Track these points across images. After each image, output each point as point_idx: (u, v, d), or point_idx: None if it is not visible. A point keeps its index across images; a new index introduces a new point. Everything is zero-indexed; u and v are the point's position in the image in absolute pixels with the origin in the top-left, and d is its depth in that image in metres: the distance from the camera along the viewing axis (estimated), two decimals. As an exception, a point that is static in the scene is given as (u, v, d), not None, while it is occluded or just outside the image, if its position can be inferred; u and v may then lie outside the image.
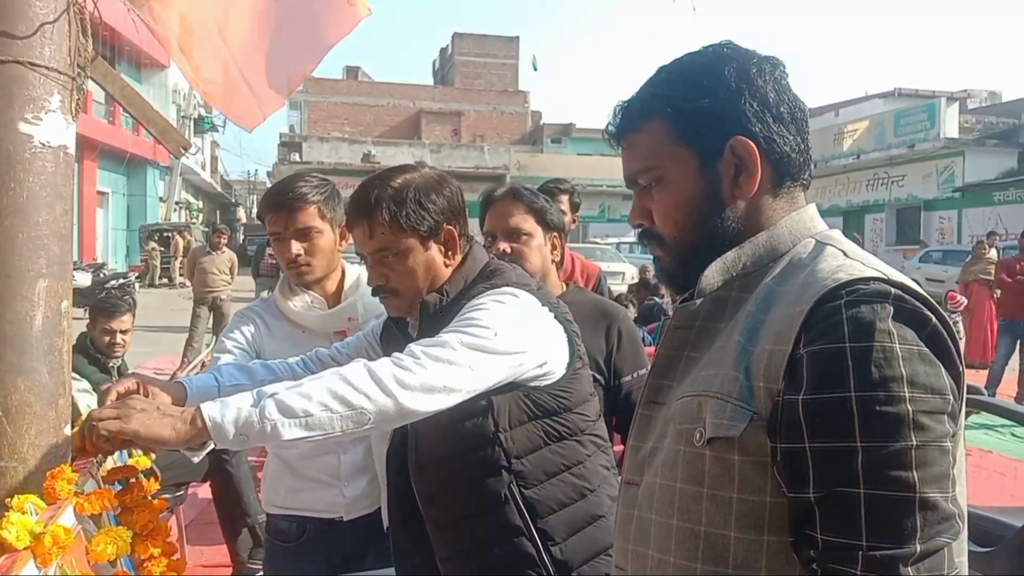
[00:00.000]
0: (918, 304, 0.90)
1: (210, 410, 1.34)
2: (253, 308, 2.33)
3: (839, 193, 28.77)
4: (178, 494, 4.17)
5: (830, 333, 0.88)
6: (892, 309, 0.88)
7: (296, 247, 2.15)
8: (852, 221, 28.19)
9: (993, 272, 9.85)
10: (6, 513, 1.23)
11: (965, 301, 11.62)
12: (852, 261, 0.97)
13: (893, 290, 0.90)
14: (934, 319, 0.91)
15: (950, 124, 24.97)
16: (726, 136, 1.04)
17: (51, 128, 1.50)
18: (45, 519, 1.26)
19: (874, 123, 27.24)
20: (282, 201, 2.15)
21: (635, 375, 2.24)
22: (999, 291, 9.42)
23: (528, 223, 2.26)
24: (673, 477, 1.00)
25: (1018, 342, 8.94)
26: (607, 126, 1.15)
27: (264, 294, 9.43)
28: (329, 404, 1.34)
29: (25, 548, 1.17)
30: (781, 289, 0.98)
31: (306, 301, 2.23)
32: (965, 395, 0.95)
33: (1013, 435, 7.48)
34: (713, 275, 1.05)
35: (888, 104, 28.66)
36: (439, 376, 1.40)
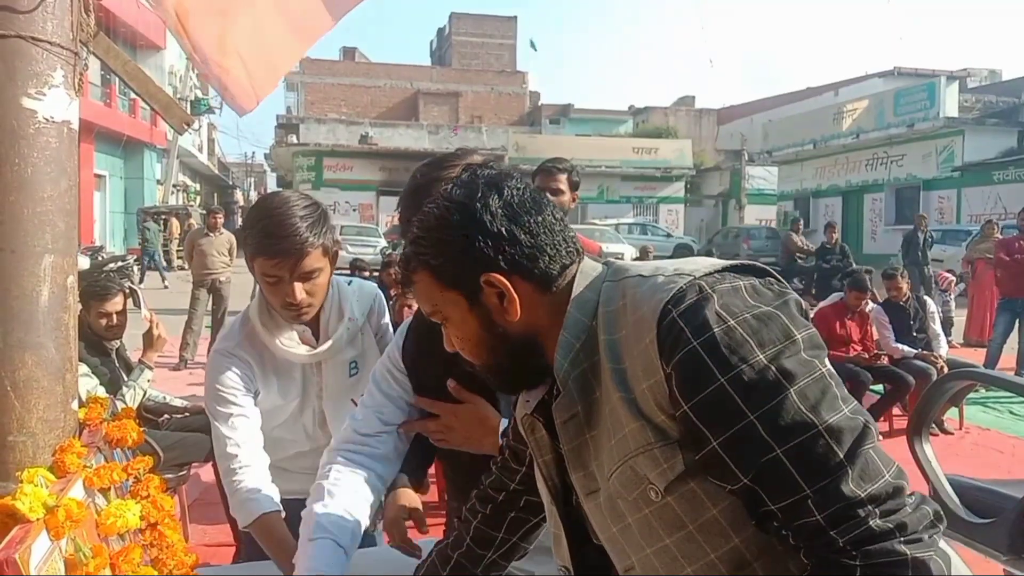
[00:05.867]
0: (723, 277, 1.02)
1: None
2: (235, 352, 2.09)
3: (838, 173, 28.75)
4: (181, 474, 4.20)
5: (679, 343, 0.96)
6: (710, 295, 0.98)
7: (300, 292, 1.97)
8: (851, 201, 28.19)
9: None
10: (19, 485, 1.23)
11: (953, 279, 11.70)
12: (654, 278, 1.05)
13: (700, 281, 1.00)
14: (744, 280, 1.02)
15: (950, 103, 24.95)
16: (477, 276, 1.12)
17: (55, 103, 1.49)
18: (56, 492, 1.27)
19: (874, 102, 27.18)
20: (283, 248, 1.92)
21: None
22: (999, 271, 9.45)
23: None
24: (659, 538, 1.05)
25: (1016, 321, 8.97)
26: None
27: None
28: None
29: (38, 520, 1.19)
30: (619, 336, 1.05)
31: (293, 337, 2.11)
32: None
33: (1011, 413, 7.53)
34: (561, 363, 1.11)
35: (888, 83, 28.60)
36: None
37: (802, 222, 17.41)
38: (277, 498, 1.96)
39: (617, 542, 1.13)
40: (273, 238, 1.92)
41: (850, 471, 0.90)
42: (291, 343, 2.09)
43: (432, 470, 2.90)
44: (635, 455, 1.03)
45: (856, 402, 0.96)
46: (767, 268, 1.06)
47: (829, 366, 0.97)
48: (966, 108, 26.62)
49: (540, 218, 1.15)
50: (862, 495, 0.89)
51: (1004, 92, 29.59)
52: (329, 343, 2.11)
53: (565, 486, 1.21)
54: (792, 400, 0.92)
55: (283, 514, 1.93)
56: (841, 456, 0.90)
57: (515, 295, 1.12)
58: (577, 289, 1.14)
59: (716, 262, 1.07)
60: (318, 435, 2.24)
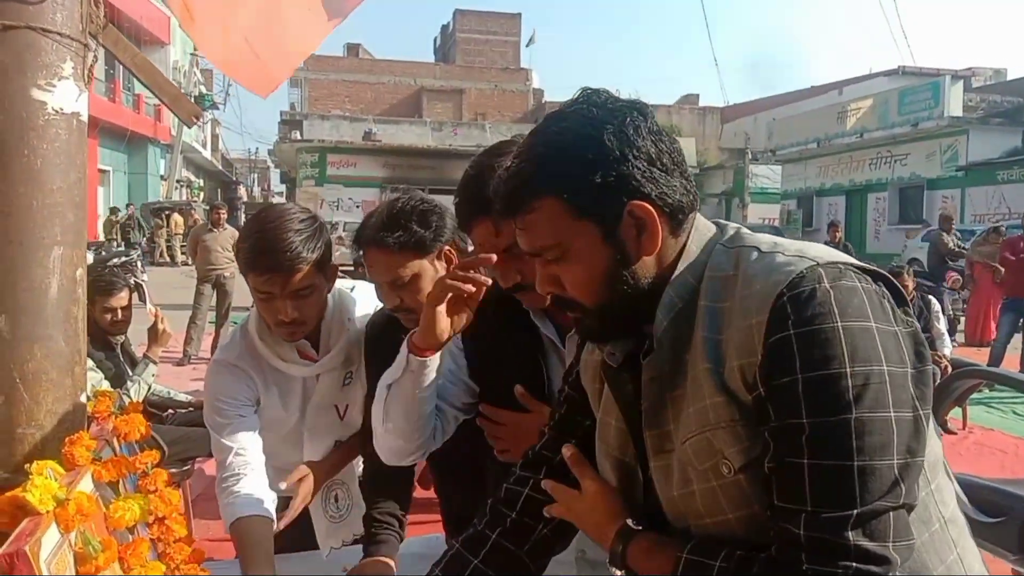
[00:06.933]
0: (845, 272, 0.97)
1: None
2: (236, 363, 2.07)
3: (841, 172, 28.67)
4: (185, 468, 4.20)
5: (780, 327, 0.94)
6: (828, 288, 0.94)
7: (292, 310, 1.91)
8: (854, 200, 28.11)
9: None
10: (29, 477, 1.23)
11: (960, 279, 11.68)
12: (772, 255, 1.01)
13: (822, 270, 0.96)
14: (864, 283, 0.97)
15: (954, 103, 24.83)
16: (622, 203, 1.05)
17: (64, 95, 1.49)
18: (65, 484, 1.27)
19: (878, 101, 27.09)
20: (275, 263, 1.86)
21: None
22: (1002, 269, 9.44)
23: (409, 266, 1.86)
24: (721, 512, 1.03)
25: (1021, 320, 8.95)
26: (497, 205, 1.15)
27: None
28: None
29: (48, 512, 1.18)
30: (723, 306, 1.01)
31: (292, 351, 2.07)
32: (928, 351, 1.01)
33: (1015, 413, 7.52)
34: (661, 321, 1.07)
35: (892, 82, 28.51)
36: None
37: (954, 220, 14.95)
38: (269, 502, 1.97)
39: (676, 505, 1.09)
40: (263, 253, 1.87)
41: (858, 519, 0.89)
42: (289, 358, 2.06)
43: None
44: (715, 428, 1.00)
45: (918, 462, 0.93)
46: (887, 275, 1.02)
47: (914, 411, 0.94)
48: (971, 107, 26.45)
49: (677, 147, 1.09)
50: (853, 545, 0.88)
51: (1009, 92, 29.45)
52: (328, 357, 2.09)
53: (638, 442, 1.14)
54: (848, 425, 0.90)
55: (269, 516, 1.94)
56: (858, 502, 0.89)
57: (659, 225, 1.06)
58: (690, 245, 1.09)
59: (839, 254, 1.02)
60: None
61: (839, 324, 0.91)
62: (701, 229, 1.11)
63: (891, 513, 0.90)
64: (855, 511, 0.89)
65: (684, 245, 1.09)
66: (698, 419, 1.02)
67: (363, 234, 1.88)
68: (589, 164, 1.03)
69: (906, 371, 0.94)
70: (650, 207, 1.05)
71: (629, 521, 1.15)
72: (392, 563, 1.87)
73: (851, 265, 0.99)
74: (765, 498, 0.97)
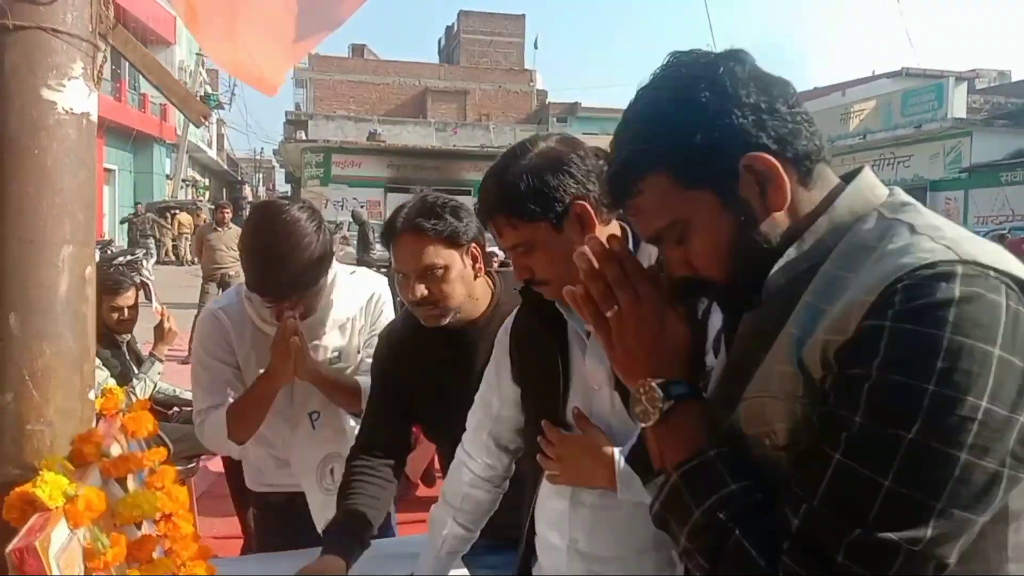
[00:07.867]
0: (998, 285, 0.81)
1: None
2: (217, 315, 2.22)
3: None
4: (190, 466, 4.22)
5: (879, 314, 0.81)
6: (963, 294, 0.79)
7: (301, 309, 2.08)
8: None
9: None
10: (39, 473, 1.24)
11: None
12: (920, 237, 0.87)
13: (968, 270, 0.81)
14: (1012, 304, 0.81)
15: (958, 104, 24.82)
16: (735, 160, 0.94)
17: (74, 95, 1.50)
18: (74, 481, 1.28)
19: (881, 103, 27.07)
20: (288, 293, 2.00)
21: None
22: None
23: (443, 254, 1.88)
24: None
25: None
26: (604, 198, 1.15)
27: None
28: None
29: (57, 508, 1.19)
30: (846, 275, 0.89)
31: (271, 316, 2.15)
32: None
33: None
34: (778, 277, 0.96)
35: (896, 84, 28.48)
36: None
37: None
38: None
39: None
40: (273, 282, 1.99)
41: (859, 537, 0.79)
42: (269, 319, 2.16)
43: (437, 464, 2.92)
44: (773, 397, 0.90)
45: (970, 521, 0.79)
46: None
47: (1000, 467, 0.79)
48: (974, 109, 26.44)
49: (790, 90, 0.98)
50: (840, 562, 0.80)
51: (1013, 93, 29.40)
52: (310, 321, 2.16)
53: None
54: (899, 444, 0.78)
55: None
56: (870, 523, 0.79)
57: (784, 176, 0.94)
58: (839, 205, 0.97)
59: (1006, 257, 0.85)
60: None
61: (947, 336, 0.77)
62: (863, 187, 0.99)
63: (903, 551, 0.78)
64: (860, 529, 0.79)
65: (830, 198, 0.98)
66: (761, 382, 0.93)
67: (395, 223, 1.91)
68: (687, 127, 0.94)
69: (1013, 420, 0.78)
70: (768, 157, 0.94)
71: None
72: (343, 563, 1.89)
73: (1010, 276, 0.82)
74: None
